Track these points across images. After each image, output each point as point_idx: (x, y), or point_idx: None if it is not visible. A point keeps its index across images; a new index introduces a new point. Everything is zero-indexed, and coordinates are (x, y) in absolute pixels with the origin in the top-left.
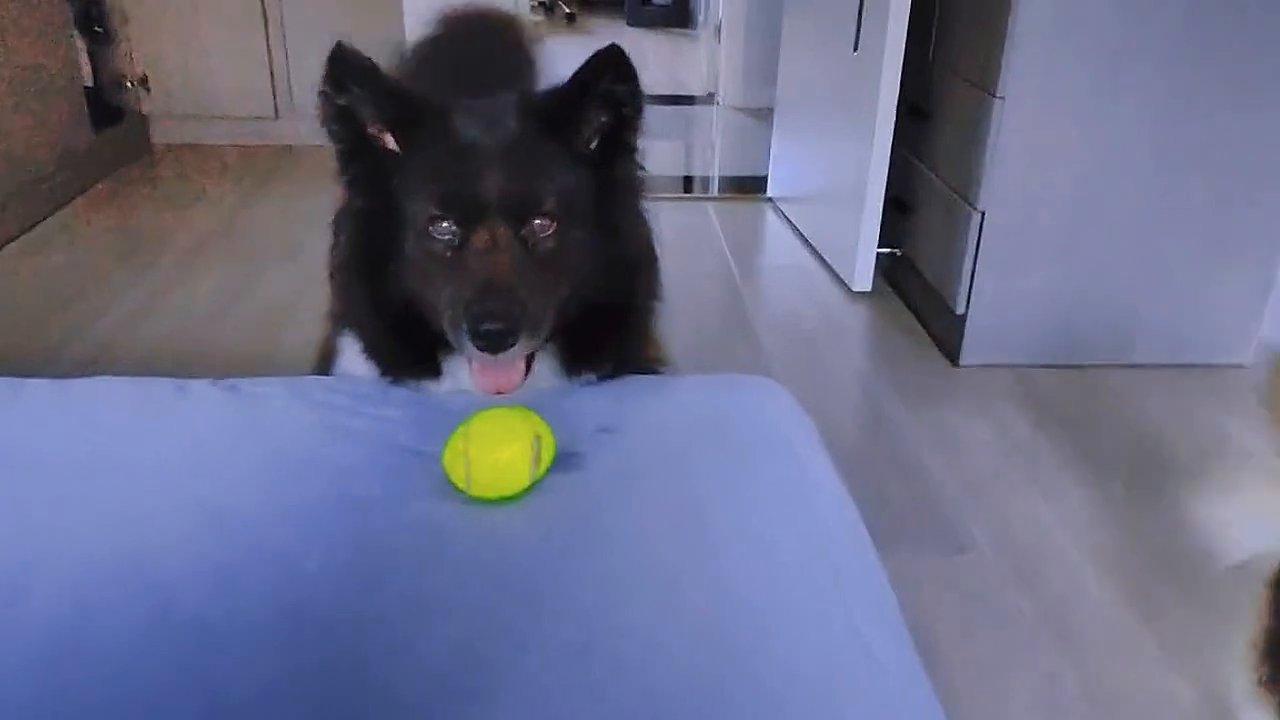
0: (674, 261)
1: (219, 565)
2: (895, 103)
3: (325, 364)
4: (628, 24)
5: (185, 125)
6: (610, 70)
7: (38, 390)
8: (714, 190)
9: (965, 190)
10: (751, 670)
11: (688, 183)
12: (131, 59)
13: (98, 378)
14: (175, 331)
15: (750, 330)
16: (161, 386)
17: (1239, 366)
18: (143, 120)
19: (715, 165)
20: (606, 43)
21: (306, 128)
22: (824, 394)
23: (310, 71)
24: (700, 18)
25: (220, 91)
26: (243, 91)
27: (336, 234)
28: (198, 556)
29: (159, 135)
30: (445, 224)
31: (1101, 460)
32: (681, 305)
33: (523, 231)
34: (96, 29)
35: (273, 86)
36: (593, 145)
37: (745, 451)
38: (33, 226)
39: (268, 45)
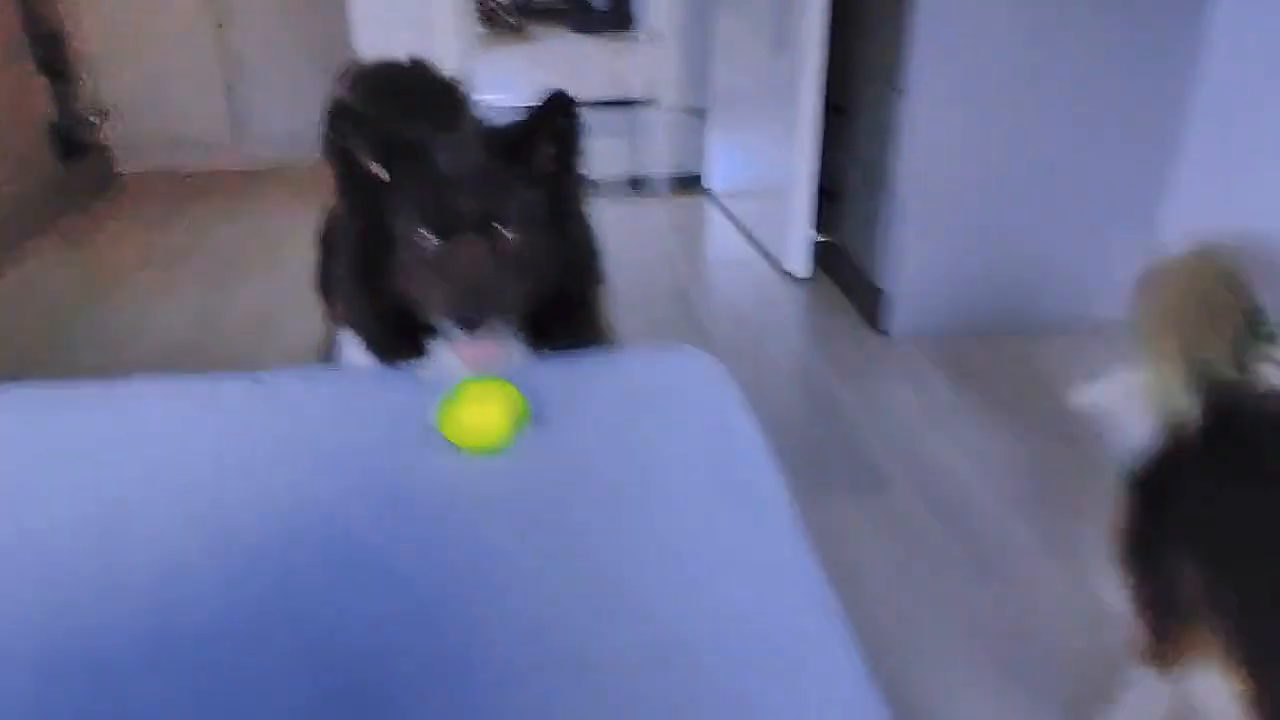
0: (624, 257)
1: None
2: (818, 101)
3: (328, 357)
4: (571, 31)
5: (148, 154)
6: (558, 110)
7: (88, 393)
8: (659, 188)
9: (881, 178)
10: (678, 608)
11: (635, 182)
12: (93, 93)
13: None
14: (155, 357)
15: (696, 317)
16: (196, 386)
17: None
18: (107, 152)
19: (659, 164)
20: (551, 50)
21: (265, 150)
22: (764, 369)
23: (266, 96)
24: (640, 22)
25: (180, 120)
26: (202, 118)
27: (324, 250)
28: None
29: (124, 165)
30: (430, 237)
31: (1012, 413)
32: (632, 298)
33: (491, 239)
34: (57, 67)
35: (230, 112)
36: (545, 169)
37: (677, 411)
38: (3, 262)
39: (223, 73)
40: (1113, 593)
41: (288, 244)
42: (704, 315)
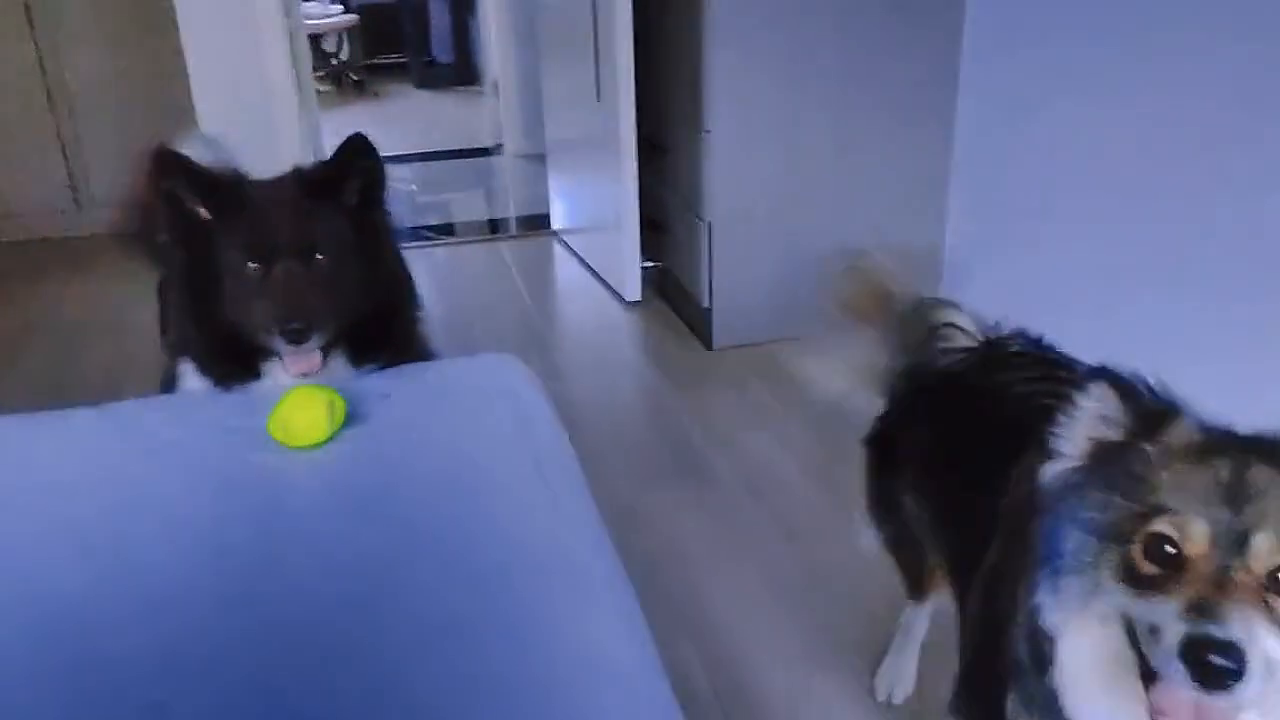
0: (476, 296)
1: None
2: (635, 142)
3: (169, 388)
4: (416, 86)
5: None
6: (357, 150)
7: None
8: (511, 230)
9: (695, 206)
10: (481, 539)
11: (491, 225)
12: None
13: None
14: None
15: (543, 344)
16: (46, 418)
17: None
18: None
19: (509, 207)
20: (398, 106)
21: (108, 216)
22: (604, 385)
23: (107, 160)
24: (483, 75)
25: (18, 187)
26: (41, 186)
27: (163, 291)
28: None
29: None
30: (253, 265)
31: (821, 407)
32: (483, 330)
33: (306, 263)
34: None
35: (70, 179)
36: (353, 201)
37: (483, 404)
38: None
39: (60, 140)
40: (871, 540)
41: (134, 307)
42: (550, 341)
